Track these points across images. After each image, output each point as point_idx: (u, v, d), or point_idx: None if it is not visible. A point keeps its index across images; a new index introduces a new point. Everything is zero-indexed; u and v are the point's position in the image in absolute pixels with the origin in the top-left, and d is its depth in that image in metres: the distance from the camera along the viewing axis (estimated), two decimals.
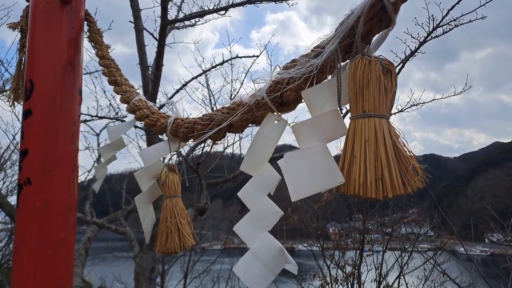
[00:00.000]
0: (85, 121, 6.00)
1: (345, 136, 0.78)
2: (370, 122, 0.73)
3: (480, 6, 3.87)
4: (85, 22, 1.50)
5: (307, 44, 0.89)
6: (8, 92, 1.79)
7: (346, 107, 0.83)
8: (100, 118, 6.10)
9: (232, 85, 6.22)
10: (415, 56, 4.05)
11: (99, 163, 1.46)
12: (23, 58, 1.73)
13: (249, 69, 6.14)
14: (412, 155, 0.74)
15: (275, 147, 1.01)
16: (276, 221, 1.03)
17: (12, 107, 2.05)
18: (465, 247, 5.79)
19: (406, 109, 4.72)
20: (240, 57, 5.97)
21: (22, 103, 1.29)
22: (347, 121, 0.80)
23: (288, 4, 4.83)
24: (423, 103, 4.63)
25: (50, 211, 1.13)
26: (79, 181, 1.32)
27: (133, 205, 6.59)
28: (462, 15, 3.93)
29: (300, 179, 0.82)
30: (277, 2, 4.73)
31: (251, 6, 4.77)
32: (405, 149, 0.74)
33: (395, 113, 4.79)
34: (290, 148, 0.97)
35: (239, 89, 6.11)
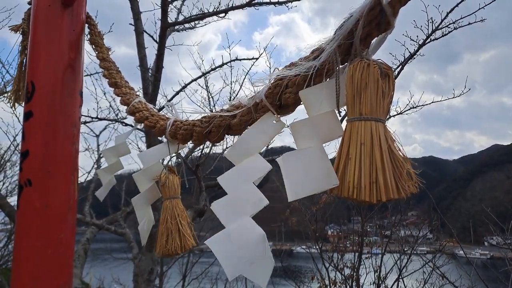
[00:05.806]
0: (85, 122, 6.01)
1: (341, 138, 0.79)
2: (367, 125, 0.73)
3: (479, 9, 3.88)
4: (86, 25, 1.51)
5: (310, 45, 0.89)
6: (9, 94, 1.81)
7: (343, 109, 0.84)
8: (100, 119, 6.12)
9: (231, 87, 6.25)
10: (414, 58, 4.07)
11: (102, 168, 1.44)
12: (24, 60, 1.75)
13: (248, 71, 6.17)
14: (407, 159, 0.74)
15: (266, 145, 0.97)
16: (259, 208, 0.90)
17: (13, 108, 2.07)
18: (464, 250, 5.77)
19: (405, 111, 4.74)
20: (240, 60, 5.99)
21: (23, 105, 1.30)
22: (344, 123, 0.80)
23: (287, 6, 4.84)
24: (422, 105, 4.65)
25: (49, 212, 1.14)
26: (78, 182, 1.32)
27: (132, 207, 6.58)
28: (461, 18, 3.94)
29: (296, 180, 0.82)
30: (276, 5, 4.74)
31: (253, 9, 4.79)
32: (400, 153, 0.74)
33: (395, 115, 4.81)
34: (289, 149, 0.95)
35: (239, 91, 6.14)
